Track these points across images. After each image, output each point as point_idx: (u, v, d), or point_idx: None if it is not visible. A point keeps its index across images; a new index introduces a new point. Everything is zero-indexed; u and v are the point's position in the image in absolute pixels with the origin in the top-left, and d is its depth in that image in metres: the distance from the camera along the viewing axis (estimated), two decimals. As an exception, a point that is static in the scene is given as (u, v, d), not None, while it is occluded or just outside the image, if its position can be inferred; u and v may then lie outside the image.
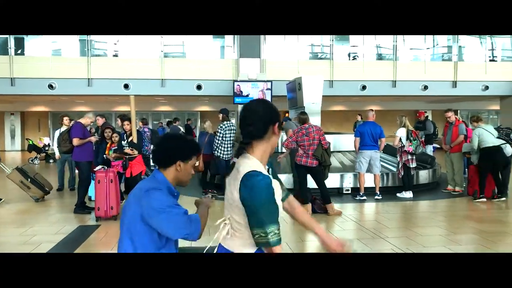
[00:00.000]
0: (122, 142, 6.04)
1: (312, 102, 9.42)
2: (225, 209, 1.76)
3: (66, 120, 7.67)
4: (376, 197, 6.93)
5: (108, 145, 6.75)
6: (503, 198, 6.67)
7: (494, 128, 7.03)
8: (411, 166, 7.24)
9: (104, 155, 6.71)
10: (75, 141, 5.94)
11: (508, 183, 7.27)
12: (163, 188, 2.04)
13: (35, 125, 20.60)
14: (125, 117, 7.50)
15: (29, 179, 6.81)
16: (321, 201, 5.95)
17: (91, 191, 6.76)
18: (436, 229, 5.20)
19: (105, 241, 4.72)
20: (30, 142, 14.18)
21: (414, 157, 7.20)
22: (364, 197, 6.87)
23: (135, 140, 5.92)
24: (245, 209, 1.62)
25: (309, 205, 5.80)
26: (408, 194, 7.14)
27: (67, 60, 14.05)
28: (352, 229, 5.24)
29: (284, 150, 6.84)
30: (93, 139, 6.31)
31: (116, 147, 6.62)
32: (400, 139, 7.17)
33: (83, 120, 6.26)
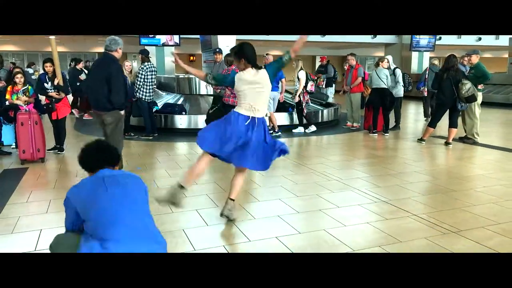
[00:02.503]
0: (45, 84, 5.72)
1: (226, 45, 9.65)
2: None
3: None
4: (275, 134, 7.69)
5: (9, 88, 6.15)
6: (387, 134, 7.88)
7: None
8: (310, 104, 8.26)
9: (7, 101, 6.17)
10: None
11: (400, 118, 8.64)
12: None
13: None
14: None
15: None
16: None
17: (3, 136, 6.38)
18: (344, 156, 6.17)
19: (42, 182, 4.70)
20: None
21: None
22: (279, 133, 7.63)
23: (61, 83, 5.68)
24: None
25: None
26: (313, 128, 8.13)
27: None
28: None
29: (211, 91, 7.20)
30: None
31: (21, 90, 6.11)
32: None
33: None
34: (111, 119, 4.39)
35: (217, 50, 7.91)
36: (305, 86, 8.04)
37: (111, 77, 4.21)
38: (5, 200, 3.93)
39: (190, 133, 7.85)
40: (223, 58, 7.51)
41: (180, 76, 10.54)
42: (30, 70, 12.57)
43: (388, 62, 8.20)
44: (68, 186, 4.44)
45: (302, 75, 7.97)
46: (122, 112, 4.48)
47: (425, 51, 18.59)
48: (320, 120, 8.95)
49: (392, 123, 8.34)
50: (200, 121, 8.03)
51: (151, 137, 7.33)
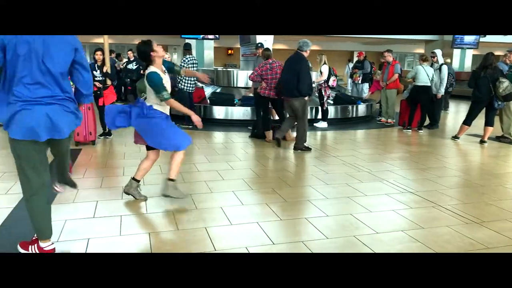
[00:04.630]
0: (94, 72, 6.22)
1: (264, 39, 9.94)
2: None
3: None
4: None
5: None
6: (421, 131, 7.91)
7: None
8: (331, 99, 8.43)
9: None
10: None
11: (438, 117, 8.60)
12: None
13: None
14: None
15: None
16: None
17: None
18: (375, 150, 6.31)
19: (95, 162, 5.19)
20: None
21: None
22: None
23: (109, 71, 6.17)
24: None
25: (270, 132, 6.61)
26: (325, 124, 8.23)
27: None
28: (311, 152, 6.17)
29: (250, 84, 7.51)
30: None
31: None
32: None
33: None
34: (298, 104, 5.70)
35: (259, 44, 8.19)
36: (327, 81, 8.14)
37: (300, 71, 5.61)
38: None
39: (226, 124, 8.23)
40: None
41: (219, 69, 10.95)
42: None
43: (435, 57, 8.42)
44: (118, 166, 4.95)
45: (325, 69, 8.09)
46: (306, 98, 5.75)
47: (468, 48, 18.09)
48: (354, 115, 9.10)
49: (428, 120, 8.35)
50: (235, 112, 8.38)
51: (190, 126, 7.73)
